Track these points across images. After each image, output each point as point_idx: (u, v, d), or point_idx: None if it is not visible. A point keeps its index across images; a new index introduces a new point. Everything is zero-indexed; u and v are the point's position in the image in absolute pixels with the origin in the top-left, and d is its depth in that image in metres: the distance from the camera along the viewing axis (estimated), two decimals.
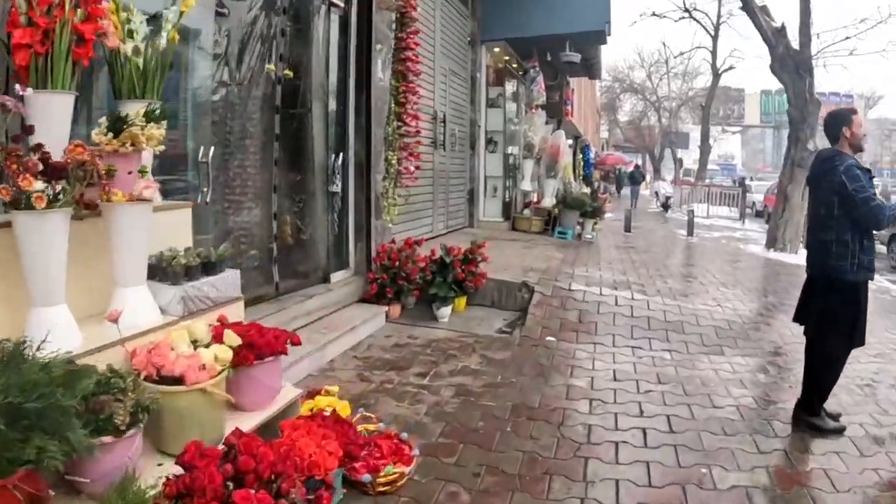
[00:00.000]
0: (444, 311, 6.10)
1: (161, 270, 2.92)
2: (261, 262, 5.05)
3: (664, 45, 49.38)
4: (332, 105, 6.01)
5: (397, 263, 6.03)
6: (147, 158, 2.77)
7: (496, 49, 11.46)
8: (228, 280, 3.22)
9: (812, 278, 3.93)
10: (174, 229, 3.19)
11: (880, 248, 14.98)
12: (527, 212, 11.29)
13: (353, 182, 6.30)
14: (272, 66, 4.88)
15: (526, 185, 10.97)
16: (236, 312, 3.24)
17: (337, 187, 6.00)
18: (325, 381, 4.05)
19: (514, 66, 12.03)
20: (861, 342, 3.73)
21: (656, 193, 27.69)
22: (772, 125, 50.88)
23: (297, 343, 3.13)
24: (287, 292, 5.31)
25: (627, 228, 14.82)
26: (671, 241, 13.41)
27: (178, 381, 2.37)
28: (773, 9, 12.45)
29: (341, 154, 6.02)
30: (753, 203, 23.54)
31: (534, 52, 11.45)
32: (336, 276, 6.05)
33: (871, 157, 56.18)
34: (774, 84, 49.41)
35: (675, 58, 32.91)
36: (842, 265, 3.61)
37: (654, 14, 23.73)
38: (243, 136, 4.85)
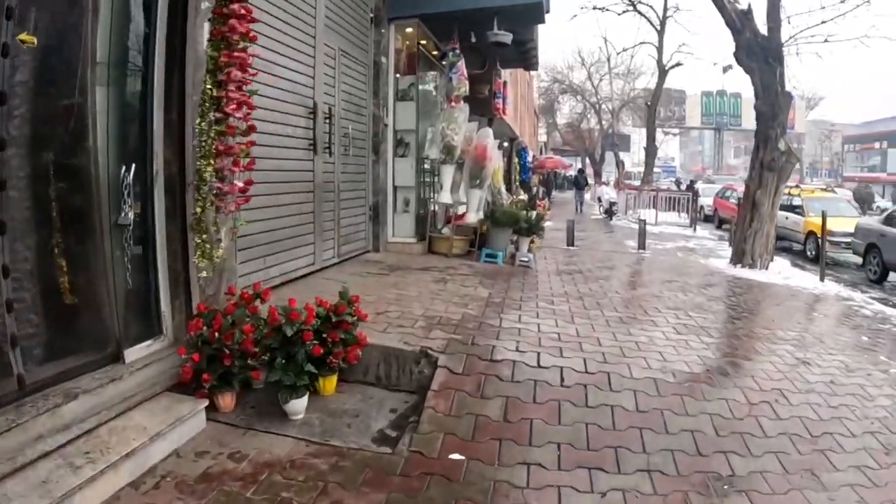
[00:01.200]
0: (297, 406, 3.87)
1: None
2: None
3: (605, 39, 48.04)
4: (126, 89, 3.83)
5: (217, 335, 3.76)
6: None
7: (408, 29, 9.21)
8: None
9: None
10: None
11: (852, 258, 13.46)
12: (446, 230, 9.05)
13: (161, 208, 4.03)
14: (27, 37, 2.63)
15: (445, 196, 8.77)
16: None
17: (128, 216, 3.68)
18: None
19: (433, 50, 9.82)
20: None
21: (599, 199, 25.97)
22: (713, 126, 50.61)
23: None
24: (43, 387, 3.15)
25: (570, 242, 12.83)
26: (622, 258, 11.41)
27: None
28: None
29: (134, 166, 3.73)
30: (702, 207, 22.03)
31: (454, 32, 9.24)
32: (135, 352, 3.82)
33: (811, 158, 56.69)
34: (715, 85, 48.87)
35: (617, 54, 31.45)
36: None
37: (595, 7, 22.01)
38: None
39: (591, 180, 43.78)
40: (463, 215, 9.02)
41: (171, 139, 4.02)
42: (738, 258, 10.78)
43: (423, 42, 9.49)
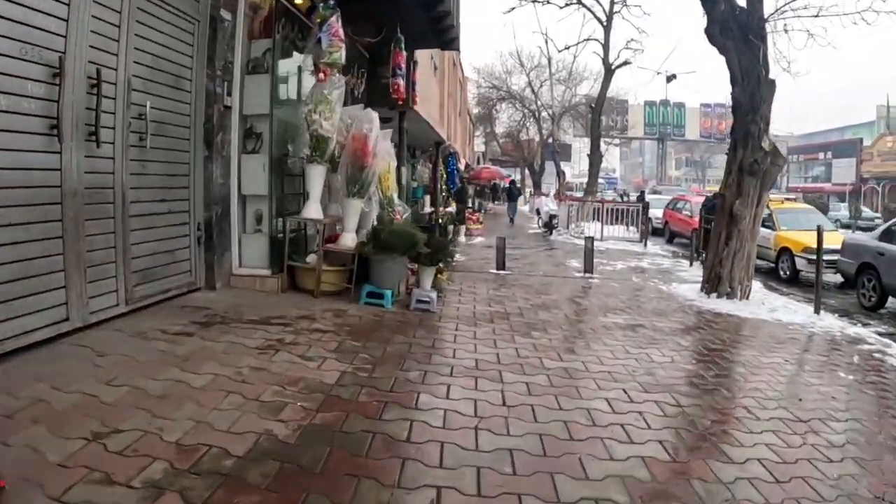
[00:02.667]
0: None
1: None
2: None
3: (545, 36, 45.93)
4: None
5: None
6: None
7: None
8: None
9: None
10: None
11: (830, 277, 11.21)
12: (311, 257, 6.24)
13: None
14: None
15: (311, 209, 6.02)
16: None
17: None
18: None
19: (303, 3, 7.01)
20: None
21: (537, 211, 23.59)
22: (656, 137, 49.37)
23: None
24: None
25: (501, 265, 10.23)
26: (565, 288, 8.82)
27: None
28: None
29: None
30: (649, 220, 19.82)
31: None
32: None
33: None
34: (658, 95, 47.68)
35: (559, 51, 29.18)
36: None
37: (535, 0, 19.65)
38: None
39: (528, 191, 41.88)
40: (337, 236, 6.28)
41: None
42: (712, 286, 8.37)
43: None
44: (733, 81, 8.19)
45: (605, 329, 5.94)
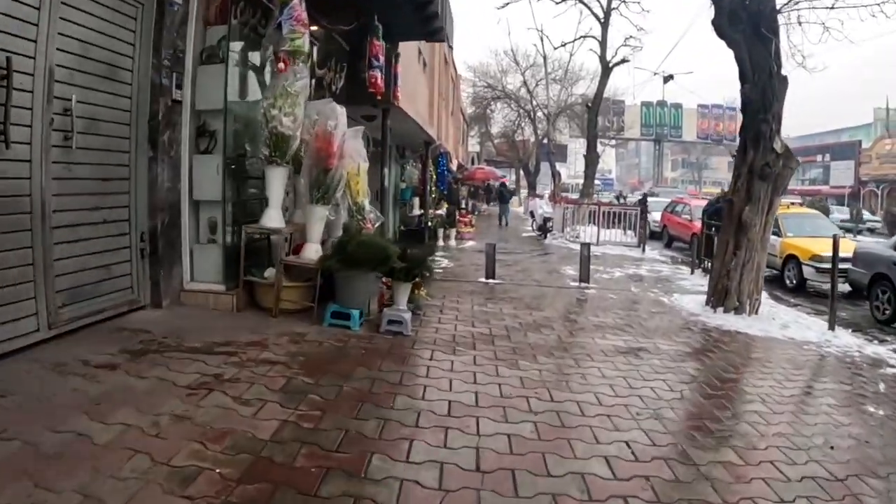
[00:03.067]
0: None
1: None
2: None
3: (541, 34, 45.09)
4: None
5: None
6: None
7: None
8: None
9: None
10: None
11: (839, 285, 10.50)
12: (270, 272, 5.50)
13: None
14: None
15: (272, 217, 5.31)
16: None
17: None
18: None
19: None
20: None
21: (532, 214, 22.87)
22: (653, 138, 48.74)
23: None
24: None
25: (490, 273, 9.53)
26: (559, 300, 8.12)
27: None
28: None
29: None
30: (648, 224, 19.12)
31: None
32: None
33: None
34: (655, 96, 46.98)
35: (555, 49, 28.44)
36: None
37: None
38: None
39: (523, 192, 41.15)
40: (299, 246, 5.57)
41: None
42: (718, 299, 7.69)
43: None
44: (743, 78, 7.50)
45: (603, 355, 5.23)
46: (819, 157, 41.26)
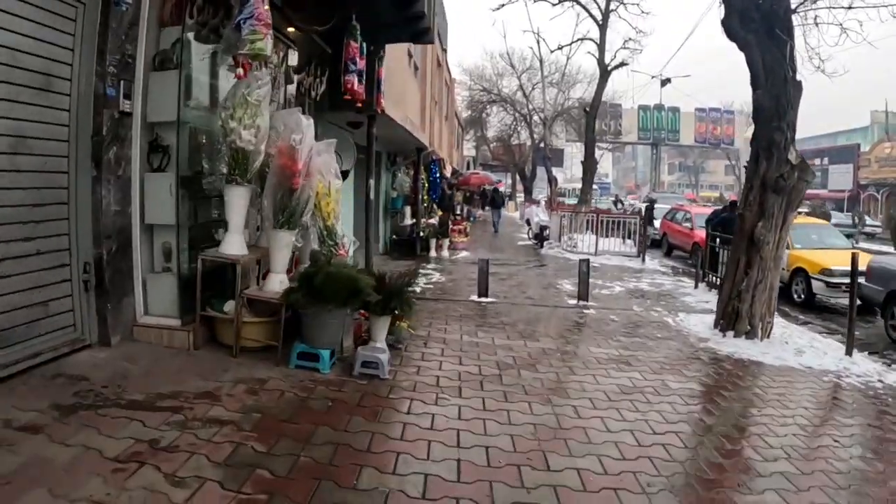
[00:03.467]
0: None
1: None
2: None
3: (537, 36, 44.51)
4: None
5: None
6: None
7: None
8: None
9: None
10: None
11: (843, 299, 9.85)
12: (229, 305, 4.89)
13: None
14: None
15: (232, 243, 4.71)
16: None
17: None
18: None
19: None
20: None
21: (528, 221, 22.26)
22: (650, 142, 48.18)
23: None
24: None
25: (482, 291, 8.96)
26: (556, 323, 7.53)
27: None
28: None
29: None
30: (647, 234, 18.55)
31: None
32: None
33: None
34: (652, 100, 46.37)
35: (552, 52, 27.89)
36: None
37: None
38: None
39: (519, 198, 40.57)
40: (265, 274, 4.97)
41: None
42: (728, 322, 7.11)
43: None
44: (755, 83, 6.93)
45: (607, 400, 4.62)
46: (817, 161, 40.71)
